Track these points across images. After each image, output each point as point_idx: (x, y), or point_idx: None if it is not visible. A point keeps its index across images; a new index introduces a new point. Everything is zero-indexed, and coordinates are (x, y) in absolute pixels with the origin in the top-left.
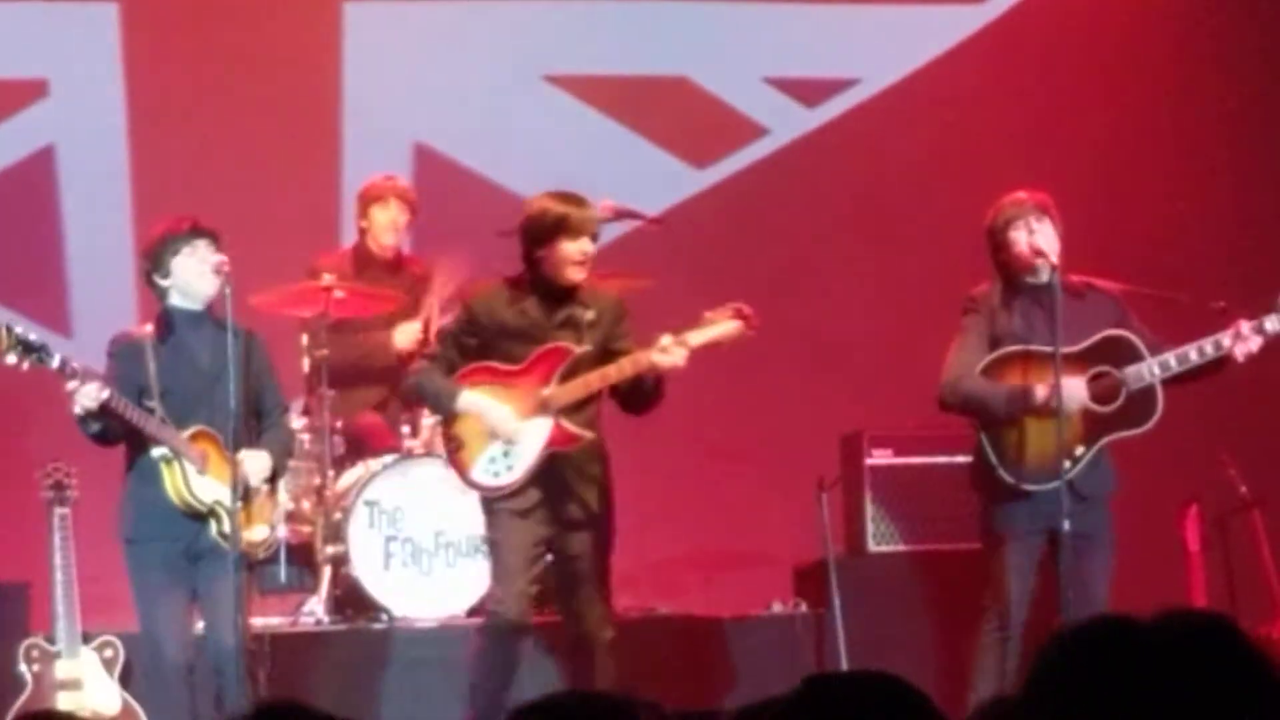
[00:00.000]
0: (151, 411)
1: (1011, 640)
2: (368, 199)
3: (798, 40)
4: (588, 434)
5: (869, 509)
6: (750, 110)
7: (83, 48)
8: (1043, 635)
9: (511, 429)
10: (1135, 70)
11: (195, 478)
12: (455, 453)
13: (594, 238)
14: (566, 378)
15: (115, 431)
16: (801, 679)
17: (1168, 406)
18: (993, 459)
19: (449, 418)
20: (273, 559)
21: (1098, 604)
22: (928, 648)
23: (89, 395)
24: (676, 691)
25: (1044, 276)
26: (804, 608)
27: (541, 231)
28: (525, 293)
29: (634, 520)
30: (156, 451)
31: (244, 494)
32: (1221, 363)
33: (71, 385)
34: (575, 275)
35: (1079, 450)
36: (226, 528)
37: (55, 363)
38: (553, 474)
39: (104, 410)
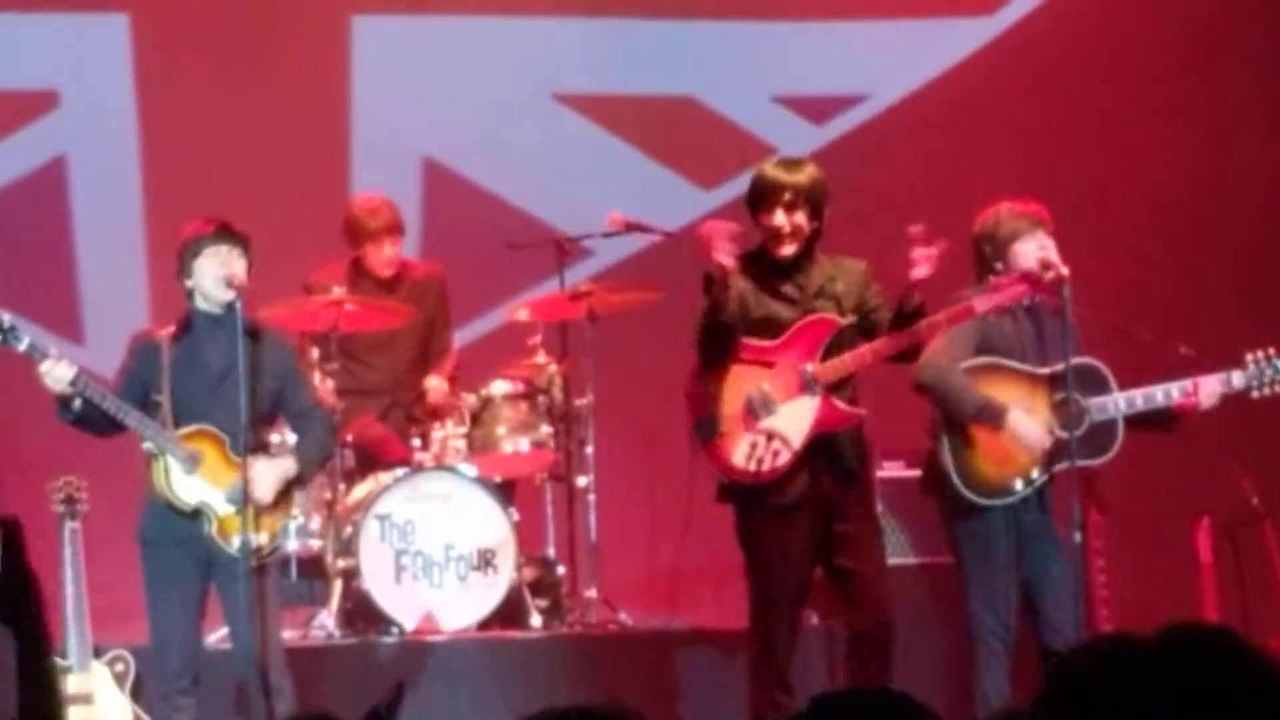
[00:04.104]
0: (158, 407)
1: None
2: (357, 237)
3: (805, 58)
4: (860, 411)
5: (880, 521)
6: (758, 129)
7: (94, 59)
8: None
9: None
10: (1143, 85)
11: (180, 476)
12: (709, 439)
13: (789, 208)
14: (830, 352)
15: (94, 420)
16: (810, 698)
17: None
18: (949, 466)
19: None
20: (283, 571)
21: (1070, 611)
22: (938, 659)
23: (57, 376)
24: (688, 705)
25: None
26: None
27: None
28: (767, 264)
29: (645, 533)
30: (145, 445)
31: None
32: (1173, 422)
33: (44, 366)
34: (785, 249)
35: (1034, 473)
36: (214, 530)
37: (23, 345)
38: (817, 458)
39: (81, 397)
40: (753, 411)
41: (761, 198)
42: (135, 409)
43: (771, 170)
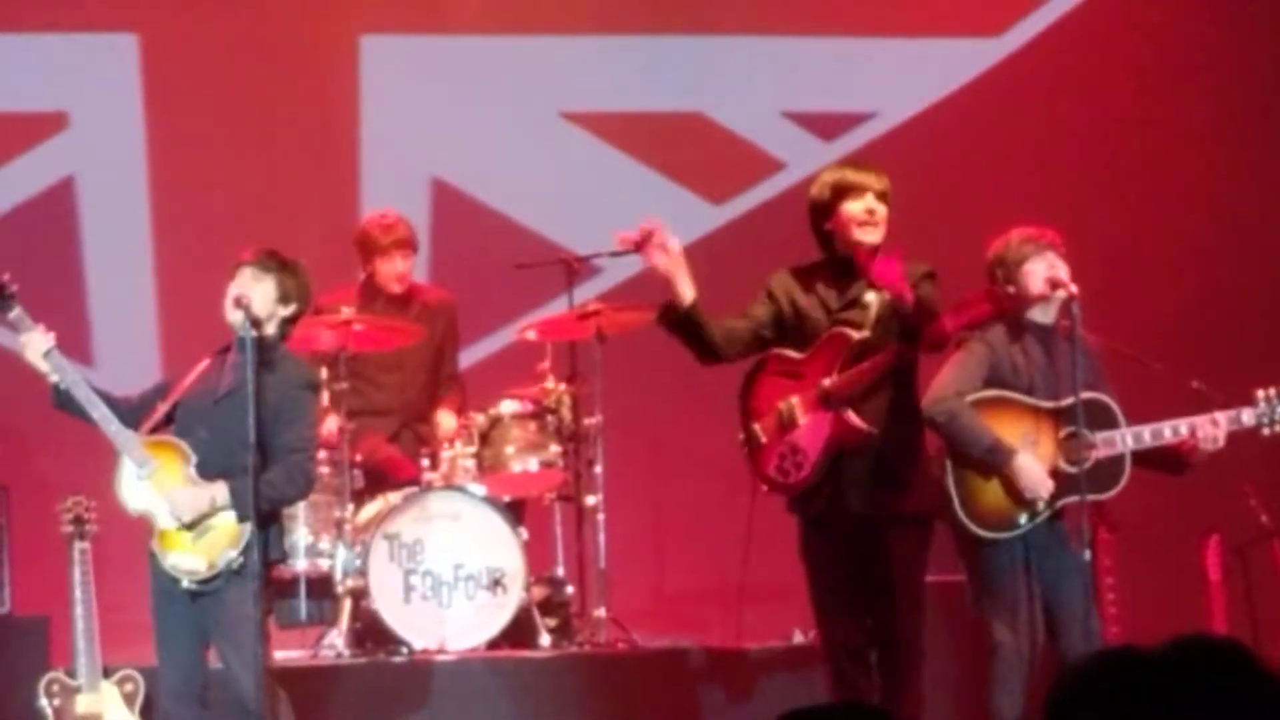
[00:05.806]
0: (154, 408)
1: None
2: (369, 251)
3: (814, 74)
4: (869, 427)
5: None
6: (767, 144)
7: (103, 80)
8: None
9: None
10: (1152, 108)
11: (130, 480)
12: (754, 451)
13: (881, 196)
14: (849, 365)
15: (77, 407)
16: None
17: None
18: (953, 496)
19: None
20: (293, 593)
21: (1085, 626)
22: (948, 677)
23: (34, 345)
24: None
25: (1049, 316)
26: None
27: (823, 203)
28: (818, 275)
29: (654, 552)
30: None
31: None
32: (1182, 465)
33: (24, 338)
34: (866, 236)
35: (1039, 506)
36: (155, 543)
37: (13, 314)
38: (845, 473)
39: (63, 379)
40: (781, 424)
41: (847, 189)
42: (106, 406)
43: (853, 167)
